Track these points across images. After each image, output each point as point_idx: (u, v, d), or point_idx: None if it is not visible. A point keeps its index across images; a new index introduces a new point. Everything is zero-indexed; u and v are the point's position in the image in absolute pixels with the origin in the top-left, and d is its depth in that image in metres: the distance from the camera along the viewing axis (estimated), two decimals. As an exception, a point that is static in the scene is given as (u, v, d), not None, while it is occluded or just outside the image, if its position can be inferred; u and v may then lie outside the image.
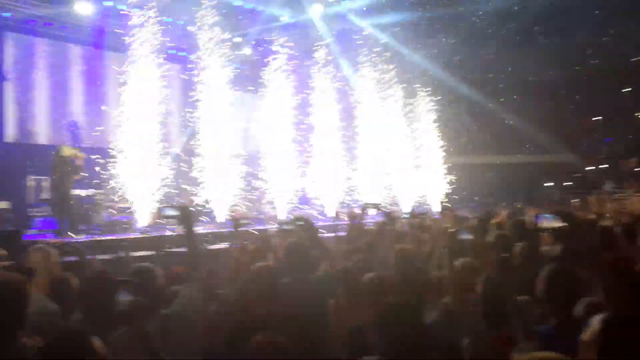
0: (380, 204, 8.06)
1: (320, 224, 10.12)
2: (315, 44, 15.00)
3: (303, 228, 4.87)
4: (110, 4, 13.94)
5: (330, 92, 14.89)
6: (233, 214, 11.81)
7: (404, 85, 16.76)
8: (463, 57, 17.52)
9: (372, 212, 7.09)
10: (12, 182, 12.03)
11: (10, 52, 13.85)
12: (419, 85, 17.27)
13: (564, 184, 22.33)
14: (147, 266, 3.58)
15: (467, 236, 4.36)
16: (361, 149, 15.71)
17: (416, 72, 17.49)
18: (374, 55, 15.80)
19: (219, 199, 11.93)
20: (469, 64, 17.54)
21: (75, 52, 15.10)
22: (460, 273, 3.50)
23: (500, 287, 3.35)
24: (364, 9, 16.14)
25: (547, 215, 5.17)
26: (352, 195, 15.04)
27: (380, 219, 6.57)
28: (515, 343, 2.95)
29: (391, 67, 16.16)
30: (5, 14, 13.28)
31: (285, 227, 5.07)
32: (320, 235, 4.87)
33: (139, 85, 10.76)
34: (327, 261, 4.42)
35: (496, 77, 17.25)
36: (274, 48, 13.51)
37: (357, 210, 6.99)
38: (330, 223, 11.12)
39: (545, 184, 22.76)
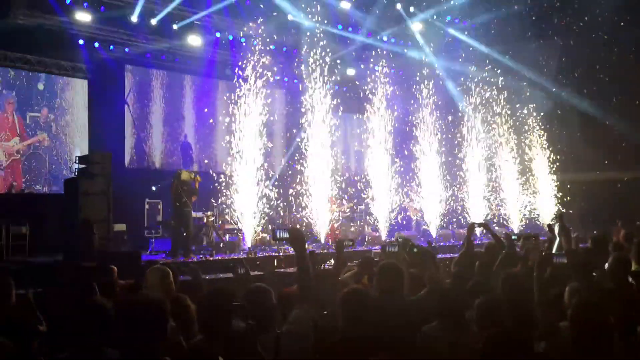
0: (487, 224, 7.69)
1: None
2: (418, 61, 14.83)
3: (408, 249, 4.72)
4: (218, 35, 14.74)
5: (433, 108, 14.58)
6: (337, 233, 11.83)
7: (512, 96, 16.05)
8: (577, 66, 16.47)
9: (479, 231, 6.81)
10: (131, 206, 12.83)
11: (128, 83, 14.97)
12: (527, 96, 16.44)
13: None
14: (261, 286, 3.59)
15: (562, 260, 4.20)
16: (467, 166, 15.18)
17: (524, 85, 16.71)
18: (479, 68, 15.30)
19: (320, 219, 12.00)
20: (583, 74, 16.47)
21: (187, 81, 16.04)
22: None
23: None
24: (468, 22, 15.75)
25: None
26: (459, 214, 14.56)
27: (489, 240, 6.25)
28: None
29: (498, 80, 15.57)
30: (125, 49, 14.39)
31: (391, 248, 4.93)
32: (429, 255, 4.65)
33: (247, 110, 11.17)
34: (433, 283, 4.22)
35: (612, 88, 15.96)
36: (377, 68, 13.54)
37: (464, 231, 6.69)
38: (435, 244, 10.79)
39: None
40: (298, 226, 11.94)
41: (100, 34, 13.75)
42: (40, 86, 13.72)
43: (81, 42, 13.68)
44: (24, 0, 12.05)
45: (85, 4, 12.65)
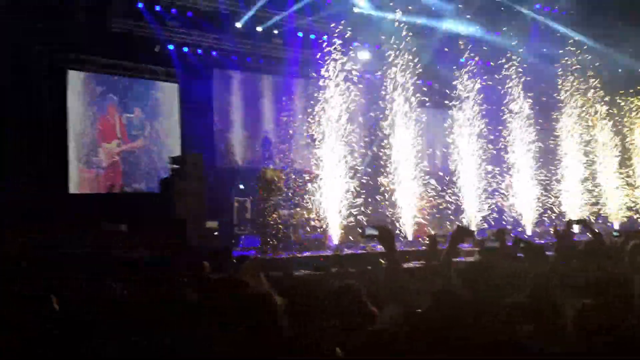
0: (586, 220, 7.23)
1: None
2: (507, 52, 14.22)
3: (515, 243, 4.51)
4: (300, 34, 14.92)
5: (523, 102, 13.92)
6: (425, 230, 11.61)
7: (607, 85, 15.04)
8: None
9: (576, 229, 6.41)
10: (220, 203, 13.24)
11: (215, 85, 15.46)
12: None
13: None
14: (350, 284, 3.56)
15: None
16: (562, 160, 14.38)
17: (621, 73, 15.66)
18: (572, 58, 14.44)
19: (407, 217, 11.81)
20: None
21: (269, 80, 16.35)
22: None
23: None
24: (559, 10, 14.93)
25: None
26: (553, 210, 13.83)
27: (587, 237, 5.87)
28: None
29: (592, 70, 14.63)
30: (213, 53, 14.89)
31: (491, 244, 4.71)
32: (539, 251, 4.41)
33: (328, 107, 11.20)
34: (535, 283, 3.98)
35: None
36: (462, 60, 13.15)
37: (561, 227, 6.33)
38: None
39: None
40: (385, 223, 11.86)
41: (189, 38, 14.34)
42: (135, 91, 14.47)
43: (171, 47, 14.34)
44: (118, 9, 12.75)
45: (173, 10, 13.20)
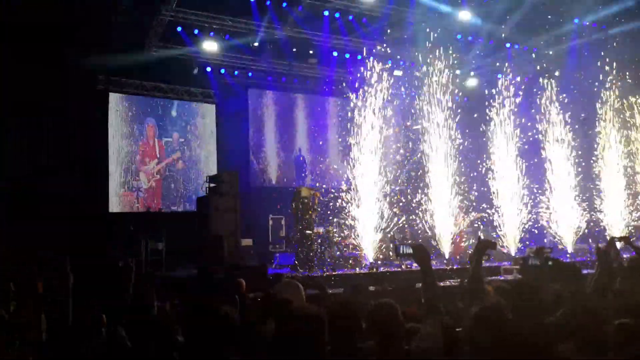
0: (628, 237, 7.00)
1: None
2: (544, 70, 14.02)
3: (548, 264, 4.41)
4: (335, 54, 15.05)
5: (559, 120, 13.63)
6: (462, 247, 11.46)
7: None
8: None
9: (619, 245, 6.23)
10: (256, 221, 13.36)
11: (251, 105, 15.71)
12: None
13: None
14: (387, 302, 3.55)
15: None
16: (604, 176, 13.98)
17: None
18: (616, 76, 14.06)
19: (443, 233, 11.70)
20: None
21: (302, 99, 16.55)
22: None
23: None
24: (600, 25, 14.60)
25: None
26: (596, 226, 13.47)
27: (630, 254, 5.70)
28: None
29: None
30: (249, 73, 15.19)
31: (533, 261, 4.63)
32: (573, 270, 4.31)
33: (365, 125, 11.25)
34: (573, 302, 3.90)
35: None
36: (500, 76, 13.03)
37: (604, 245, 6.15)
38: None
39: None
40: (420, 240, 11.77)
41: (226, 60, 14.66)
42: (174, 112, 14.82)
43: (209, 69, 14.68)
44: (157, 33, 13.14)
45: (211, 33, 13.51)
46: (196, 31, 13.40)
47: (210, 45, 13.64)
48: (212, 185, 10.99)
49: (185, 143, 14.83)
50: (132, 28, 12.35)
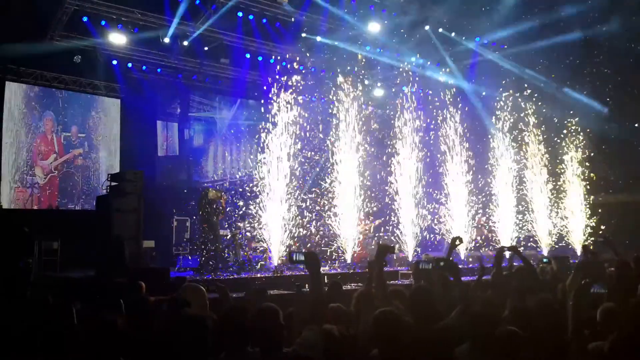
0: (516, 247, 7.53)
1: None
2: (445, 85, 14.76)
3: (444, 268, 4.67)
4: (247, 56, 15.04)
5: (461, 132, 14.38)
6: (362, 253, 11.78)
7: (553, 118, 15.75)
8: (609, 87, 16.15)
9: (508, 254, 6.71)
10: (159, 223, 13.00)
11: (160, 103, 15.35)
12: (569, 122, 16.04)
13: None
14: (270, 306, 3.60)
15: (600, 290, 4.06)
16: (496, 188, 14.90)
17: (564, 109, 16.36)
18: (512, 92, 15.05)
19: (346, 239, 11.99)
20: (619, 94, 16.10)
21: (216, 101, 16.36)
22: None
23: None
24: (500, 44, 15.62)
25: None
26: (488, 236, 14.35)
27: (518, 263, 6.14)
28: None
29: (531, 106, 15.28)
30: (158, 70, 14.80)
31: (424, 266, 4.90)
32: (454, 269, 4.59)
33: (276, 133, 11.28)
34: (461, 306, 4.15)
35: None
36: (404, 89, 13.52)
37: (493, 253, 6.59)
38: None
39: None
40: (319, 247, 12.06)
41: (134, 54, 14.19)
42: (75, 106, 14.14)
43: (115, 62, 14.14)
44: (61, 22, 12.51)
45: (119, 26, 13.05)
46: (103, 22, 12.90)
47: (117, 38, 13.17)
48: (114, 184, 10.55)
49: (85, 138, 14.19)
50: (34, 15, 11.69)
